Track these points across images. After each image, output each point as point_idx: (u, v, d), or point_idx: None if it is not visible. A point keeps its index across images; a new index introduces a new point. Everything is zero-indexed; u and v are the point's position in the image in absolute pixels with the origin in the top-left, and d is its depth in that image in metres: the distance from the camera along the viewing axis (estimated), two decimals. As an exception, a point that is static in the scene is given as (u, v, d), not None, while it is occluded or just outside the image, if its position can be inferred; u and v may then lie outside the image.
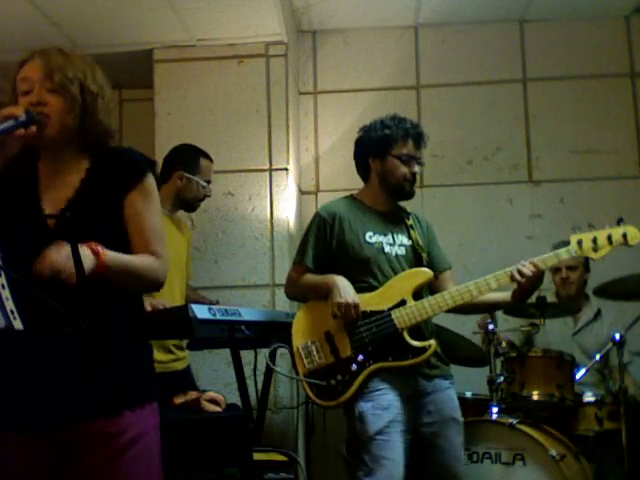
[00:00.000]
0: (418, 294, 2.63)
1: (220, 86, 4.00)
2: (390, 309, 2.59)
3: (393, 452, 2.49)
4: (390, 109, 2.89)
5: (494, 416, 3.07)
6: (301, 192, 4.37)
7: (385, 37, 4.50)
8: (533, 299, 3.22)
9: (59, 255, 1.54)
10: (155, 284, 1.81)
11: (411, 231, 2.76)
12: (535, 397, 3.15)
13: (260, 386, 3.15)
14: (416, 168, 2.73)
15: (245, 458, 2.42)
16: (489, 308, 2.80)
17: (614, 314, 3.66)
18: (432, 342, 2.57)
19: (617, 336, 3.15)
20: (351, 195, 2.85)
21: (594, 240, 2.57)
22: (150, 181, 1.81)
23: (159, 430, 1.78)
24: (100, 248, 1.62)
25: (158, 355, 2.96)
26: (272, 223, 3.88)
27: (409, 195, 2.77)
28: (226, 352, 3.12)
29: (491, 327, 3.20)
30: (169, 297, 2.91)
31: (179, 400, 2.49)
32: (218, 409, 2.45)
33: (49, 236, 1.64)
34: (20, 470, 1.68)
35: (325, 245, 2.69)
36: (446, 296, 2.61)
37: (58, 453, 1.67)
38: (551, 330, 3.56)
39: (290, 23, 4.17)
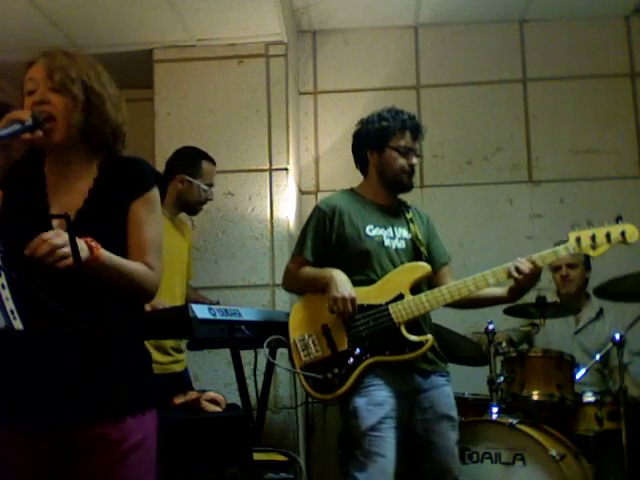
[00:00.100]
0: (416, 288, 2.63)
1: (220, 86, 4.00)
2: (388, 303, 2.59)
3: (386, 448, 2.50)
4: (390, 109, 2.89)
5: (494, 416, 3.07)
6: (301, 192, 4.37)
7: (385, 37, 4.50)
8: (533, 299, 3.23)
9: (56, 237, 1.54)
10: (145, 293, 1.79)
11: (411, 224, 2.76)
12: (535, 397, 3.15)
13: (260, 386, 3.15)
14: (414, 160, 2.73)
15: (245, 458, 2.42)
16: (485, 304, 2.80)
17: (614, 314, 3.66)
18: (429, 337, 2.57)
19: (617, 336, 3.15)
20: (351, 189, 2.84)
21: (592, 238, 2.57)
22: (155, 193, 1.82)
23: (156, 437, 1.77)
24: (95, 243, 1.62)
25: (157, 356, 2.97)
26: (272, 223, 3.88)
27: (407, 187, 2.77)
28: (226, 352, 3.12)
29: (491, 327, 3.21)
30: (170, 298, 2.92)
31: (179, 400, 2.49)
32: (218, 409, 2.45)
33: None
34: (20, 470, 1.68)
35: (324, 238, 2.69)
36: (444, 291, 2.61)
37: (58, 454, 1.67)
38: (552, 330, 3.55)
39: (290, 23, 4.17)
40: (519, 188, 4.34)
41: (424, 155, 2.85)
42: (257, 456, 2.60)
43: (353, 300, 2.54)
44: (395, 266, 2.65)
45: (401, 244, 2.71)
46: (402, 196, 2.85)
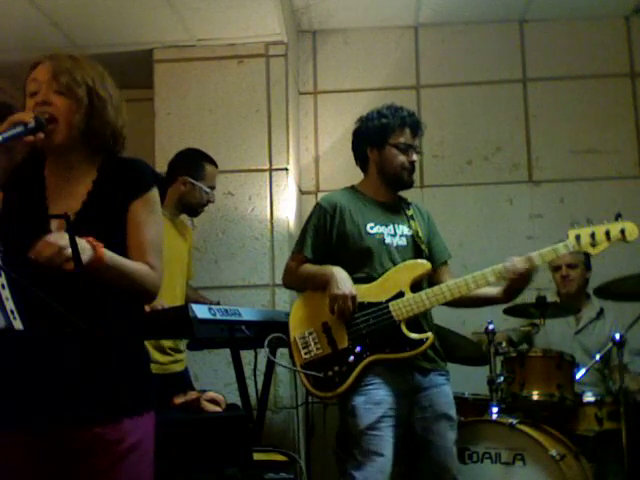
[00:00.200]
0: (417, 286, 2.62)
1: (220, 86, 4.00)
2: (388, 301, 2.58)
3: (383, 447, 2.50)
4: (390, 109, 2.88)
5: (494, 416, 3.07)
6: (301, 192, 4.37)
7: (385, 37, 4.50)
8: (533, 299, 3.23)
9: (58, 240, 1.54)
10: (147, 294, 1.79)
11: (412, 222, 2.75)
12: (535, 397, 3.15)
13: (260, 386, 3.15)
14: (414, 157, 2.72)
15: (245, 458, 2.42)
16: (480, 303, 2.80)
17: (614, 314, 3.66)
18: (429, 334, 2.57)
19: (617, 336, 3.15)
20: (352, 186, 2.84)
21: (592, 235, 2.56)
22: (154, 194, 1.82)
23: (154, 438, 1.77)
24: (98, 243, 1.62)
25: (157, 356, 2.97)
26: (272, 223, 3.88)
27: (408, 184, 2.76)
28: (226, 352, 3.12)
29: (491, 327, 3.21)
30: (171, 299, 2.92)
31: (179, 400, 2.49)
32: (218, 409, 2.46)
33: None
34: (20, 470, 1.68)
35: (325, 235, 2.69)
36: (444, 288, 2.60)
37: (58, 454, 1.67)
38: (552, 330, 3.55)
39: (290, 23, 4.17)
40: (519, 188, 4.34)
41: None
42: (257, 456, 2.60)
43: (354, 297, 2.53)
44: (395, 264, 2.65)
45: (402, 241, 2.70)
46: (403, 194, 2.85)
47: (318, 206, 2.75)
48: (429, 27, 4.48)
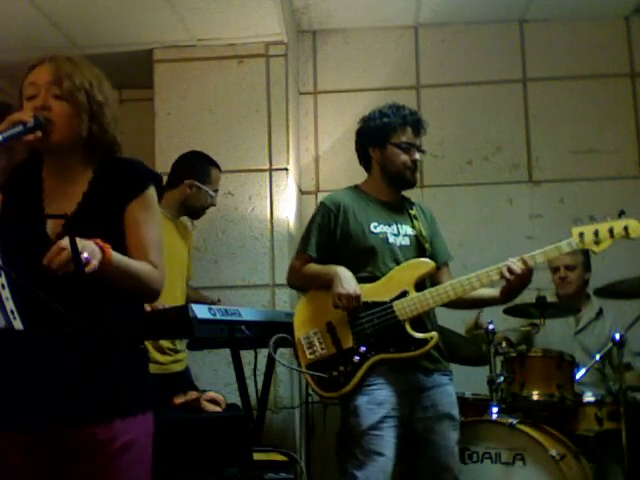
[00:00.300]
0: (420, 285, 2.62)
1: (220, 86, 4.00)
2: (392, 300, 2.58)
3: (385, 447, 2.50)
4: (390, 109, 2.88)
5: (494, 416, 3.07)
6: (301, 192, 4.37)
7: (385, 37, 4.50)
8: (533, 299, 3.23)
9: (69, 246, 1.53)
10: (151, 292, 1.79)
11: (415, 221, 2.75)
12: (535, 397, 3.15)
13: (260, 386, 3.15)
14: (416, 155, 2.72)
15: (245, 458, 2.42)
16: (478, 304, 2.80)
17: (613, 314, 3.66)
18: (434, 334, 2.56)
19: (617, 336, 3.15)
20: (355, 185, 2.84)
21: (596, 233, 2.56)
22: (151, 194, 1.81)
23: (152, 440, 1.77)
24: (105, 244, 1.62)
25: (158, 356, 2.97)
26: (272, 223, 3.88)
27: (411, 183, 2.76)
28: (226, 352, 3.12)
29: (491, 327, 3.20)
30: (170, 299, 2.92)
31: (179, 400, 2.49)
32: (218, 409, 2.46)
33: (50, 242, 1.64)
34: (20, 470, 1.68)
35: (329, 234, 2.69)
36: (447, 287, 2.60)
37: (58, 454, 1.67)
38: (552, 330, 3.55)
39: (290, 23, 4.17)
40: (519, 188, 4.34)
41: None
42: (257, 456, 2.60)
43: (358, 297, 2.53)
44: (399, 263, 2.64)
45: (405, 241, 2.70)
46: (405, 194, 2.85)
47: (322, 205, 2.75)
48: (429, 27, 4.48)
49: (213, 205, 3.34)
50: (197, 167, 3.27)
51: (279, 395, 3.73)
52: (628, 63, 4.38)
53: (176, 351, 3.15)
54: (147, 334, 1.87)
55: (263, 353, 3.16)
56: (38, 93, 1.72)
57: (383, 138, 2.72)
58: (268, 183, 3.91)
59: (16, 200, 1.78)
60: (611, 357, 3.44)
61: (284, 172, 3.92)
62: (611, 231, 2.55)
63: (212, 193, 3.27)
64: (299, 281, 2.78)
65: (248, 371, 3.03)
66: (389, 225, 2.71)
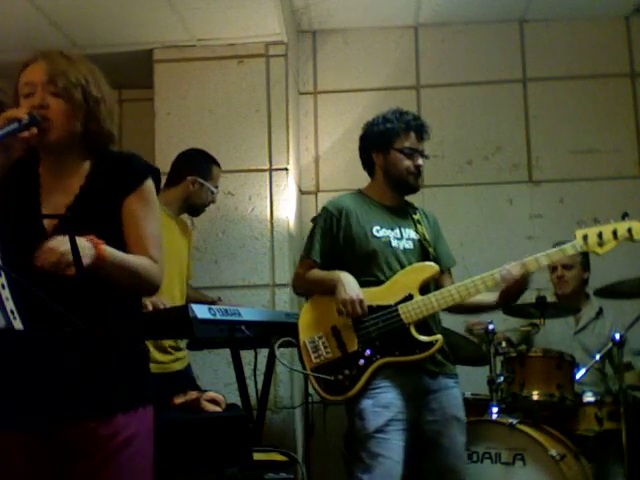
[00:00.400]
0: (425, 288, 2.62)
1: (220, 86, 4.00)
2: (397, 303, 2.57)
3: (391, 450, 2.49)
4: (390, 109, 2.89)
5: (494, 416, 3.07)
6: (301, 192, 4.37)
7: (385, 37, 4.50)
8: (533, 299, 3.23)
9: (60, 246, 1.54)
10: (150, 286, 1.79)
11: (418, 226, 2.75)
12: (535, 397, 3.15)
13: (260, 386, 3.15)
14: (420, 161, 2.72)
15: (245, 458, 2.42)
16: (475, 310, 2.80)
17: (614, 313, 3.66)
18: (439, 337, 2.56)
19: (617, 336, 3.15)
20: (358, 190, 2.84)
21: (599, 235, 2.55)
22: (149, 187, 1.80)
23: (153, 434, 1.77)
24: (99, 241, 1.62)
25: (158, 356, 2.97)
26: (272, 223, 3.88)
27: (414, 189, 2.76)
28: (226, 352, 3.12)
29: (491, 327, 3.21)
30: (169, 298, 2.91)
31: (179, 400, 2.49)
32: (218, 409, 2.45)
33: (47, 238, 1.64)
34: (20, 470, 1.68)
35: (332, 239, 2.69)
36: (452, 290, 2.59)
37: (58, 454, 1.67)
38: (552, 330, 3.55)
39: (290, 23, 4.17)
40: (519, 188, 4.34)
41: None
42: (257, 456, 2.59)
43: (361, 302, 2.53)
44: (402, 267, 2.64)
45: (408, 245, 2.70)
46: (408, 198, 2.85)
47: (324, 210, 2.75)
48: (429, 27, 4.48)
49: (213, 202, 3.35)
50: (199, 164, 3.28)
51: (279, 395, 3.73)
52: (628, 63, 4.38)
53: (178, 349, 3.15)
54: (147, 334, 1.87)
55: (263, 353, 3.15)
56: (35, 91, 1.72)
57: (386, 143, 2.71)
58: (268, 183, 3.91)
59: (13, 197, 1.78)
60: (611, 357, 3.44)
61: (284, 172, 3.92)
62: (615, 233, 2.55)
63: (214, 190, 3.29)
64: (303, 287, 2.79)
65: (248, 371, 3.03)
66: (392, 229, 2.70)
